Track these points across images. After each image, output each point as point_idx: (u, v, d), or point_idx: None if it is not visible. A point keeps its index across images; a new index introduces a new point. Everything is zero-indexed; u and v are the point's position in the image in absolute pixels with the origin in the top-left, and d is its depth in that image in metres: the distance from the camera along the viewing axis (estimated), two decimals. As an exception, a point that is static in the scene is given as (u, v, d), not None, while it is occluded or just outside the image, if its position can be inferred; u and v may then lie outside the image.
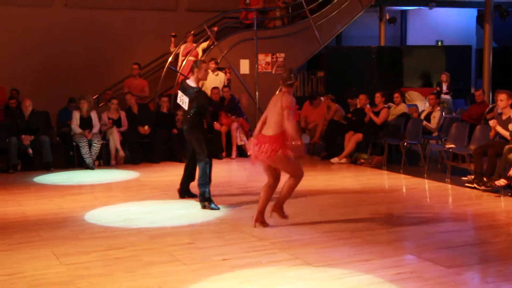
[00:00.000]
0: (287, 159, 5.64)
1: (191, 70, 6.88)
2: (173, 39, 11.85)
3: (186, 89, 6.79)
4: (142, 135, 10.48)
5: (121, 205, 6.99)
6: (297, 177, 5.79)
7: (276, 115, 5.63)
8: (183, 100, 6.79)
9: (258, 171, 10.01)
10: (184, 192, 7.20)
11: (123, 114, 10.55)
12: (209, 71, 11.05)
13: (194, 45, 11.87)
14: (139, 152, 10.48)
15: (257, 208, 5.89)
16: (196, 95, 6.71)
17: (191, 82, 6.77)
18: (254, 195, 7.41)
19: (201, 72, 6.79)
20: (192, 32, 11.96)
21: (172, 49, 11.89)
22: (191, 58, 11.73)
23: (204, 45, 11.95)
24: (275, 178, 5.87)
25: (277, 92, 6.00)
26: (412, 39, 16.98)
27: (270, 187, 5.87)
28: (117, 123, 10.36)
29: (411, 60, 14.53)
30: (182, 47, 11.84)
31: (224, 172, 9.45)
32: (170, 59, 11.81)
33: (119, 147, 10.06)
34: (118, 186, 8.53)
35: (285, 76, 5.82)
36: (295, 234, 5.59)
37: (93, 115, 10.12)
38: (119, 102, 10.69)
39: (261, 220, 5.88)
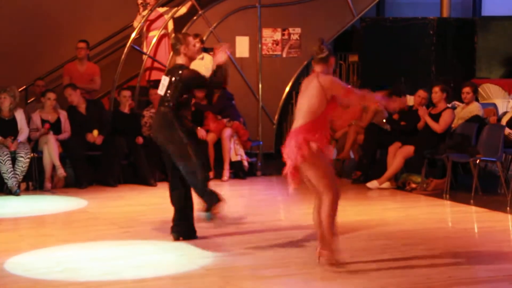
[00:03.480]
0: (322, 158, 5.94)
1: (173, 49, 7.14)
2: (141, 8, 11.81)
3: (170, 71, 7.09)
4: (91, 145, 10.52)
5: (60, 248, 6.98)
6: (332, 192, 6.02)
7: (308, 100, 5.97)
8: (163, 83, 7.04)
9: (261, 199, 10.14)
10: (182, 232, 7.20)
11: (63, 115, 10.59)
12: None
13: (164, 12, 11.92)
14: (87, 170, 10.51)
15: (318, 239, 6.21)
16: (183, 73, 6.93)
17: (179, 62, 7.09)
18: (255, 234, 7.43)
19: (189, 48, 7.03)
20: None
21: (136, 23, 11.91)
22: (164, 32, 11.79)
23: (181, 11, 11.97)
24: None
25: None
26: (491, 7, 16.98)
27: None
28: (55, 128, 10.41)
29: (488, 39, 14.56)
30: (144, 14, 11.79)
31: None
32: (133, 34, 11.86)
33: (57, 163, 10.10)
34: (55, 220, 8.52)
35: (316, 49, 6.14)
36: (316, 293, 5.60)
37: (19, 116, 10.17)
38: (58, 97, 10.75)
39: (326, 253, 6.13)
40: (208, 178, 7.03)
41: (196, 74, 7.13)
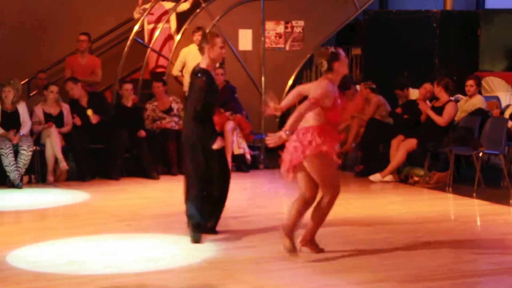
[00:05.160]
0: (329, 161, 6.01)
1: (199, 48, 6.98)
2: (140, 0, 11.83)
3: (193, 73, 6.97)
4: (94, 137, 10.51)
5: (62, 241, 6.99)
6: (333, 193, 6.15)
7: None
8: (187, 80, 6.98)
9: (263, 192, 10.15)
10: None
11: (66, 108, 10.61)
12: (195, 45, 11.14)
13: (166, 5, 11.91)
14: (90, 163, 10.54)
15: (288, 223, 6.26)
16: (195, 82, 6.83)
17: (202, 64, 6.95)
18: (257, 227, 7.44)
19: (214, 49, 6.89)
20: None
21: (137, 15, 11.91)
22: (166, 26, 11.79)
23: (184, 6, 12.00)
24: (312, 192, 6.22)
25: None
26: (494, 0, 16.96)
27: (305, 203, 6.24)
28: (57, 121, 10.43)
29: (491, 31, 14.53)
30: (148, 7, 11.81)
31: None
32: (136, 27, 11.87)
33: (60, 156, 10.11)
34: (57, 214, 8.54)
35: (316, 63, 6.27)
36: (316, 285, 5.60)
37: (21, 108, 10.18)
38: (61, 90, 10.76)
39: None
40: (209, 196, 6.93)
41: (201, 93, 6.83)
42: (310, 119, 6.12)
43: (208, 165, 6.88)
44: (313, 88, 6.15)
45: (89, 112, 10.51)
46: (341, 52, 6.20)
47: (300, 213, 6.31)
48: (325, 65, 6.14)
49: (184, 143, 7.12)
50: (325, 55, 6.14)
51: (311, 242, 6.41)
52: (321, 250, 6.41)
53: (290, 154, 6.13)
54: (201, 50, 7.02)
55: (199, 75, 6.87)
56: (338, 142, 6.25)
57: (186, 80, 10.85)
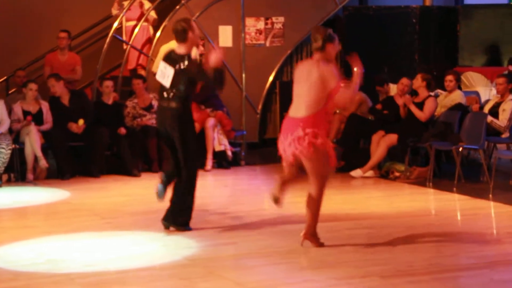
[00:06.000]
0: (324, 153, 6.11)
1: (178, 34, 7.02)
2: None
3: (172, 59, 6.96)
4: (74, 136, 10.48)
5: (42, 240, 6.96)
6: (323, 182, 6.24)
7: (310, 90, 6.07)
8: (165, 73, 6.93)
9: (245, 188, 10.13)
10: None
11: (45, 106, 10.55)
12: (175, 42, 11.09)
13: (144, 3, 11.87)
14: (70, 161, 10.47)
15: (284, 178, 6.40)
16: (188, 66, 6.86)
17: (180, 50, 6.99)
18: (239, 224, 7.43)
19: (195, 34, 7.03)
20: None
21: (115, 11, 11.87)
22: (145, 24, 11.76)
23: (153, 14, 11.92)
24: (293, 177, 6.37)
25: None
26: (473, -5, 17.03)
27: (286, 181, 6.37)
28: (36, 119, 10.36)
29: (471, 27, 14.59)
30: (126, 4, 11.75)
31: (197, 190, 9.43)
32: (115, 24, 11.82)
33: (39, 154, 10.05)
34: (37, 212, 8.49)
35: (311, 37, 6.22)
36: (297, 281, 5.60)
37: (0, 107, 10.10)
38: (40, 87, 10.68)
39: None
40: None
41: (201, 69, 6.97)
42: (302, 108, 6.12)
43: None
44: (328, 76, 6.11)
45: (80, 122, 10.44)
46: (336, 38, 6.25)
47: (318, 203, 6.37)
48: (319, 42, 6.16)
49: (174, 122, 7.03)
50: (323, 33, 6.18)
51: (312, 235, 6.43)
52: (321, 244, 6.45)
53: (289, 145, 6.14)
54: (181, 37, 7.01)
55: (188, 61, 6.91)
56: (328, 133, 6.31)
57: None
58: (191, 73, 6.92)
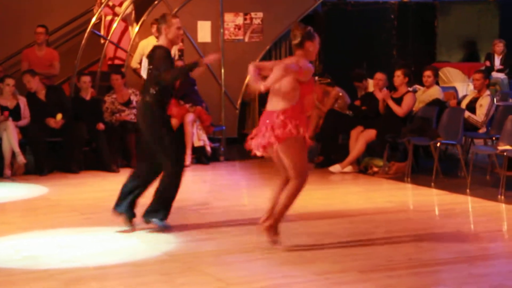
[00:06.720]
0: (301, 146, 6.06)
1: (157, 29, 7.07)
2: None
3: (150, 55, 6.95)
4: (52, 131, 10.42)
5: (20, 236, 6.93)
6: (301, 178, 6.18)
7: (284, 85, 6.05)
8: (144, 65, 6.97)
9: (224, 184, 10.13)
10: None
11: (23, 101, 10.49)
12: (154, 38, 11.08)
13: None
14: (48, 157, 10.42)
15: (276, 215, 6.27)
16: (155, 53, 6.84)
17: (159, 43, 6.99)
18: (218, 219, 7.42)
19: (170, 29, 6.89)
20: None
21: (96, 8, 11.83)
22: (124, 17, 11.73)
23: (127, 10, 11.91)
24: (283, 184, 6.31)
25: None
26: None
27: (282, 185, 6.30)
28: (14, 114, 10.30)
29: (448, 23, 14.69)
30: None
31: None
32: (93, 19, 11.77)
33: (17, 149, 10.00)
34: (15, 208, 8.43)
35: (291, 34, 6.21)
36: (277, 276, 5.60)
37: (-22, 102, 10.05)
38: (17, 83, 10.61)
39: (270, 226, 6.27)
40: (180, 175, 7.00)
41: (165, 56, 6.88)
42: (279, 102, 6.12)
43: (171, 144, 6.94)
44: (294, 62, 6.13)
45: (59, 117, 10.38)
46: (317, 37, 6.24)
47: (291, 198, 6.26)
48: (298, 39, 6.16)
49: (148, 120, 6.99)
50: (302, 30, 6.17)
51: (272, 227, 6.30)
52: (275, 241, 6.29)
53: (263, 136, 6.13)
54: (158, 30, 7.05)
55: (157, 48, 6.90)
56: (307, 127, 6.27)
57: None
58: (155, 60, 6.87)
